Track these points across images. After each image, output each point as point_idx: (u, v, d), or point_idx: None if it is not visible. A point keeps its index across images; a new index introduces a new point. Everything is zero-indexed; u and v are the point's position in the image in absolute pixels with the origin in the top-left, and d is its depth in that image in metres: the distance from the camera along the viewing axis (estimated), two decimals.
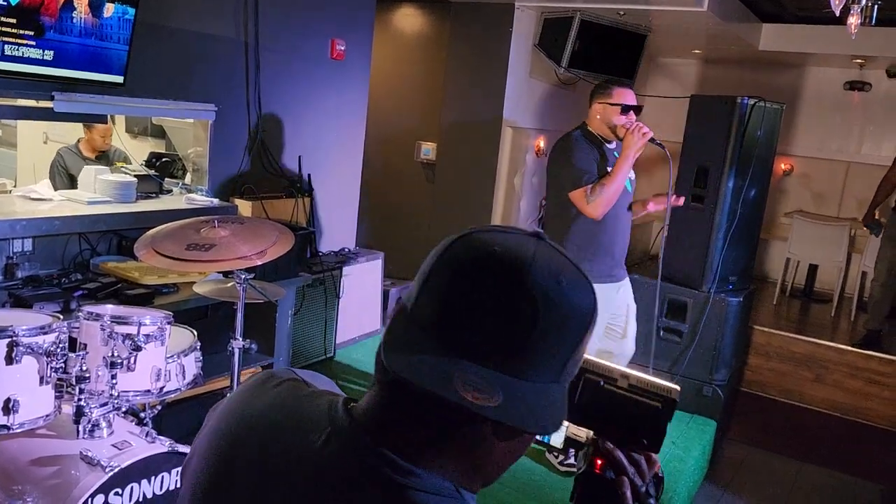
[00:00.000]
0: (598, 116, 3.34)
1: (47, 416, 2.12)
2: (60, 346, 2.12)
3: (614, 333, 3.60)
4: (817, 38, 6.25)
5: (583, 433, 0.94)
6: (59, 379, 2.13)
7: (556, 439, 3.35)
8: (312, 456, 0.79)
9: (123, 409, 2.38)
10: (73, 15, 3.04)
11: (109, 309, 2.35)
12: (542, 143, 6.18)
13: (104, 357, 2.20)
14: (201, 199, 3.82)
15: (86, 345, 2.22)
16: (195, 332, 2.66)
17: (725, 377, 4.47)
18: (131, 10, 3.25)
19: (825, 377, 5.37)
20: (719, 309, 4.38)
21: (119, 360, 2.19)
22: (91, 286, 2.95)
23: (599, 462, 0.90)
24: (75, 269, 3.20)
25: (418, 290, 0.77)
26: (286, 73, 4.42)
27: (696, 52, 7.46)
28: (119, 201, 3.49)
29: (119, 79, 3.31)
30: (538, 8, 5.81)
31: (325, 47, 4.67)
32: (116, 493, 2.03)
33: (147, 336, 2.25)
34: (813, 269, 7.00)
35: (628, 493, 0.89)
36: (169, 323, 2.38)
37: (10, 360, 2.02)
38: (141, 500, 2.10)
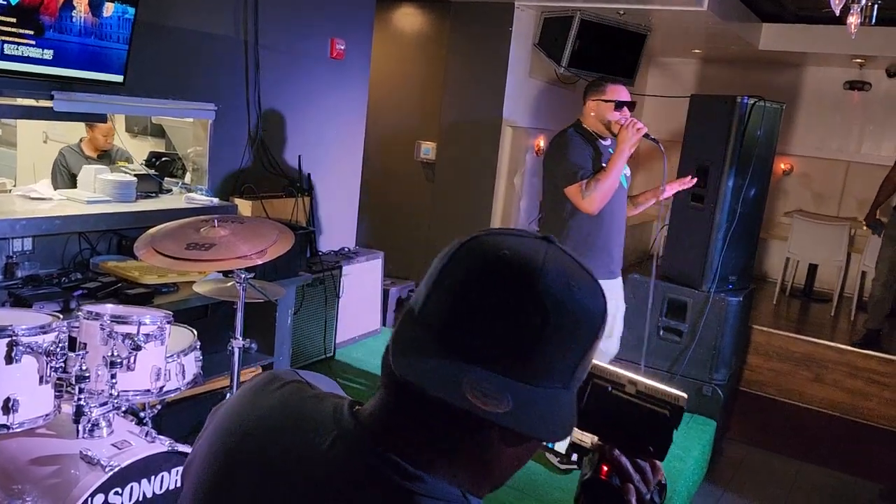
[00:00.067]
0: (593, 113, 3.36)
1: (47, 415, 2.12)
2: (60, 345, 2.12)
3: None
4: (817, 38, 6.25)
5: (588, 438, 0.93)
6: (58, 378, 2.13)
7: (560, 445, 3.35)
8: (318, 459, 0.78)
9: (123, 409, 2.37)
10: (73, 14, 3.04)
11: (109, 308, 2.35)
12: (541, 143, 6.18)
13: (104, 356, 2.19)
14: (201, 199, 3.81)
15: (85, 344, 2.21)
16: (195, 332, 2.66)
17: (725, 377, 4.47)
18: (131, 10, 3.24)
19: (825, 377, 5.37)
20: (719, 308, 4.38)
21: (119, 360, 2.19)
22: (91, 285, 2.95)
23: (606, 468, 0.89)
24: (75, 268, 3.19)
25: (426, 294, 0.76)
26: (286, 72, 4.42)
27: (696, 51, 7.46)
28: (119, 201, 3.49)
29: (119, 78, 3.31)
30: (538, 7, 5.81)
31: (324, 46, 4.67)
32: (116, 493, 2.03)
33: (147, 335, 2.25)
34: (813, 268, 7.00)
35: (634, 501, 0.88)
36: (169, 322, 2.38)
37: (9, 359, 2.02)
38: (141, 499, 2.10)
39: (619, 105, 3.29)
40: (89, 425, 2.18)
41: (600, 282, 0.78)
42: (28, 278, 2.97)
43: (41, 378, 2.08)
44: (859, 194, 7.26)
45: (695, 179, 3.68)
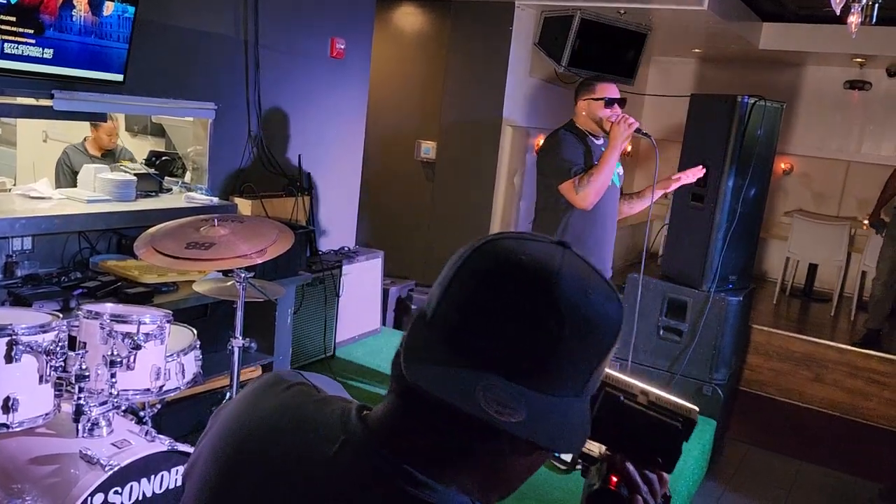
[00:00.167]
0: (584, 113, 3.38)
1: (47, 414, 2.12)
2: (60, 344, 2.12)
3: None
4: (817, 37, 6.25)
5: (595, 447, 0.92)
6: (58, 377, 2.13)
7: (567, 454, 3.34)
8: (325, 464, 0.77)
9: (123, 408, 2.37)
10: (73, 13, 3.04)
11: (109, 307, 2.35)
12: (541, 142, 6.18)
13: (104, 356, 2.19)
14: (201, 198, 3.81)
15: (85, 343, 2.21)
16: (195, 331, 2.66)
17: (725, 376, 4.47)
18: (131, 9, 3.24)
19: (825, 376, 5.37)
20: (719, 308, 4.38)
21: (119, 359, 2.19)
22: (90, 285, 2.94)
23: (615, 479, 0.89)
24: (75, 267, 3.19)
25: (438, 298, 0.74)
26: (286, 71, 4.42)
27: (697, 50, 7.46)
28: (119, 200, 3.48)
29: (119, 77, 3.30)
30: (538, 7, 5.81)
31: (324, 46, 4.67)
32: (116, 492, 2.03)
33: (147, 335, 2.25)
34: (813, 268, 7.01)
35: None
36: (168, 321, 2.38)
37: (9, 358, 2.02)
38: (140, 498, 2.10)
39: (609, 102, 3.31)
40: (89, 424, 2.17)
41: None
42: (28, 277, 2.97)
43: (41, 377, 2.08)
44: (859, 194, 7.26)
45: (703, 170, 3.67)
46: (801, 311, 6.74)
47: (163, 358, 2.35)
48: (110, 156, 4.42)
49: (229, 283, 2.86)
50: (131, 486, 2.07)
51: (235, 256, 2.64)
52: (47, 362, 2.08)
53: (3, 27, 2.82)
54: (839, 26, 4.65)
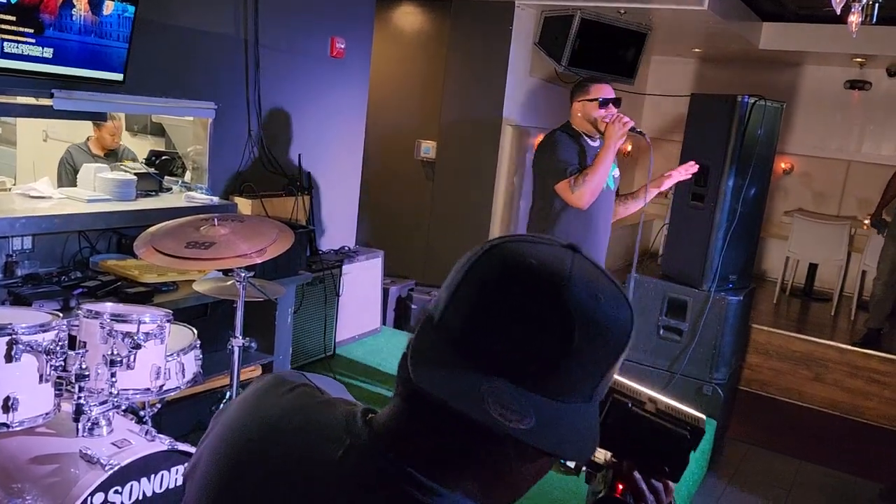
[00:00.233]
0: (579, 114, 3.39)
1: (47, 414, 2.12)
2: (60, 344, 2.12)
3: None
4: (817, 37, 6.25)
5: (601, 454, 0.91)
6: (58, 377, 2.13)
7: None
8: (330, 468, 0.76)
9: (123, 408, 2.37)
10: (73, 12, 3.04)
11: (109, 307, 2.35)
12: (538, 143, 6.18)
13: (104, 355, 2.19)
14: (201, 198, 3.81)
15: (85, 343, 2.21)
16: (195, 331, 2.66)
17: (725, 376, 4.47)
18: (131, 8, 3.24)
19: (825, 376, 5.37)
20: (719, 308, 4.38)
21: (119, 359, 2.19)
22: (90, 284, 2.95)
23: (621, 487, 0.88)
24: (75, 267, 3.19)
25: (446, 301, 0.73)
26: (286, 71, 4.42)
27: (697, 50, 7.46)
28: (119, 199, 3.49)
29: (119, 76, 3.30)
30: (538, 6, 5.81)
31: (324, 45, 4.66)
32: (116, 492, 2.03)
33: (147, 334, 2.25)
34: (813, 267, 7.01)
35: None
36: (168, 321, 2.38)
37: (9, 357, 2.02)
38: (140, 498, 2.10)
39: (603, 102, 3.32)
40: (89, 424, 2.17)
41: None
42: (28, 277, 2.97)
43: (41, 377, 2.08)
44: (859, 193, 7.26)
45: (696, 166, 3.68)
46: (801, 310, 6.74)
47: (163, 357, 2.35)
48: (113, 155, 4.43)
49: (229, 283, 2.86)
50: (131, 486, 2.07)
51: (235, 256, 2.64)
52: (47, 362, 2.08)
53: (3, 26, 2.82)
54: (839, 26, 4.65)
